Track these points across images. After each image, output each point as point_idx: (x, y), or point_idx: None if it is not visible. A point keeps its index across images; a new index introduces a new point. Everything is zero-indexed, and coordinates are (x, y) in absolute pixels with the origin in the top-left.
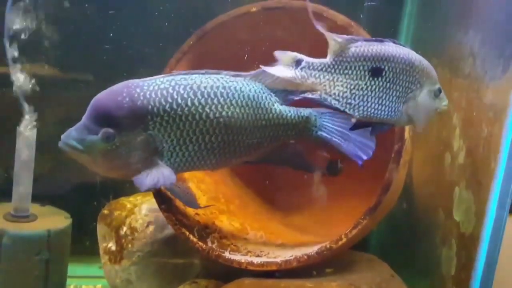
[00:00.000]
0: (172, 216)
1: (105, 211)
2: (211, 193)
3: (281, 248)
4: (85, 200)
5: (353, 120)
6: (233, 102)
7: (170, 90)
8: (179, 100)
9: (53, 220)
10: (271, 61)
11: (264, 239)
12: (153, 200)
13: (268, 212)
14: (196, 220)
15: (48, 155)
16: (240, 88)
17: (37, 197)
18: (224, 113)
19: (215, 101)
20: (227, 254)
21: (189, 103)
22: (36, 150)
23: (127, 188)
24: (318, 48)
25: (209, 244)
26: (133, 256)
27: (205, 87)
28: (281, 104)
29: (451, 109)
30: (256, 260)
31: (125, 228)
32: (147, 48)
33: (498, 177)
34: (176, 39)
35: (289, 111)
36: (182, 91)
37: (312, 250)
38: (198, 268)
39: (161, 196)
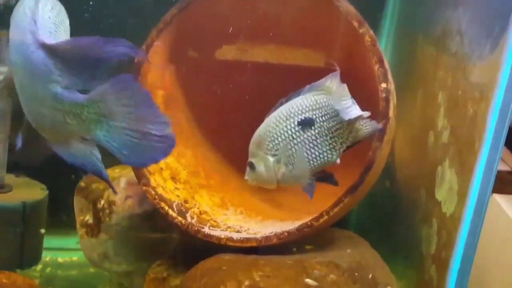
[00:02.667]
0: (152, 191)
1: (82, 184)
2: (191, 168)
3: (261, 224)
4: (63, 172)
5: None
6: (16, 60)
7: None
8: None
9: (28, 192)
10: (254, 32)
11: (244, 215)
12: (132, 173)
13: (248, 188)
14: (176, 195)
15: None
16: (26, 51)
17: (12, 168)
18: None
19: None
20: (206, 230)
21: None
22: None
23: (107, 161)
24: (300, 22)
25: (189, 219)
26: (111, 229)
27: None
28: (66, 87)
29: (436, 88)
30: (235, 236)
31: (102, 201)
32: (129, 18)
33: (482, 157)
34: (159, 9)
35: (67, 96)
36: None
37: (292, 226)
38: (176, 243)
39: (140, 171)
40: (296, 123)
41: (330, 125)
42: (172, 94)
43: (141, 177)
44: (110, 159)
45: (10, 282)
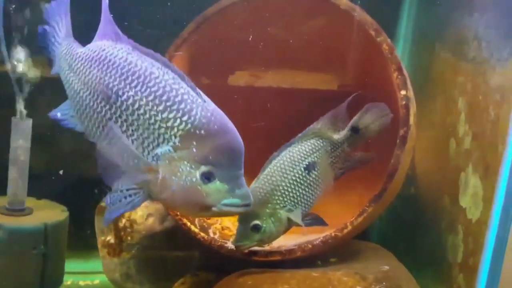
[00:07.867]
0: None
1: (103, 204)
2: None
3: (284, 238)
4: (83, 193)
5: None
6: None
7: None
8: None
9: (49, 214)
10: (270, 47)
11: None
12: None
13: None
14: None
15: (43, 146)
16: None
17: (33, 190)
18: None
19: None
20: (229, 245)
21: None
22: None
23: None
24: (316, 31)
25: (211, 235)
26: (133, 249)
27: None
28: None
29: (455, 94)
30: (259, 250)
31: (124, 221)
32: (146, 34)
33: (507, 160)
34: (176, 25)
35: None
36: None
37: (316, 238)
38: (199, 261)
39: None
40: (302, 169)
41: (329, 161)
42: None
43: None
44: None
45: None
